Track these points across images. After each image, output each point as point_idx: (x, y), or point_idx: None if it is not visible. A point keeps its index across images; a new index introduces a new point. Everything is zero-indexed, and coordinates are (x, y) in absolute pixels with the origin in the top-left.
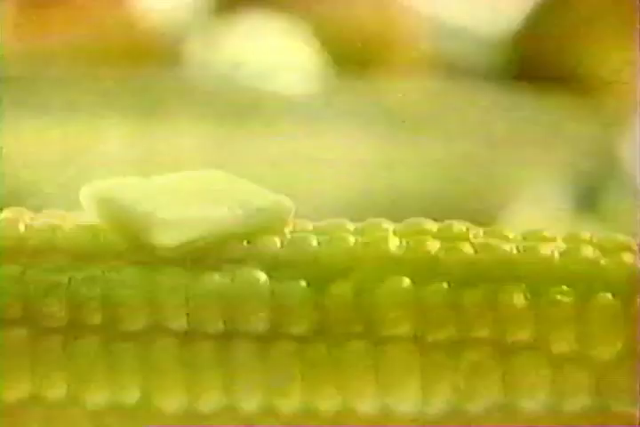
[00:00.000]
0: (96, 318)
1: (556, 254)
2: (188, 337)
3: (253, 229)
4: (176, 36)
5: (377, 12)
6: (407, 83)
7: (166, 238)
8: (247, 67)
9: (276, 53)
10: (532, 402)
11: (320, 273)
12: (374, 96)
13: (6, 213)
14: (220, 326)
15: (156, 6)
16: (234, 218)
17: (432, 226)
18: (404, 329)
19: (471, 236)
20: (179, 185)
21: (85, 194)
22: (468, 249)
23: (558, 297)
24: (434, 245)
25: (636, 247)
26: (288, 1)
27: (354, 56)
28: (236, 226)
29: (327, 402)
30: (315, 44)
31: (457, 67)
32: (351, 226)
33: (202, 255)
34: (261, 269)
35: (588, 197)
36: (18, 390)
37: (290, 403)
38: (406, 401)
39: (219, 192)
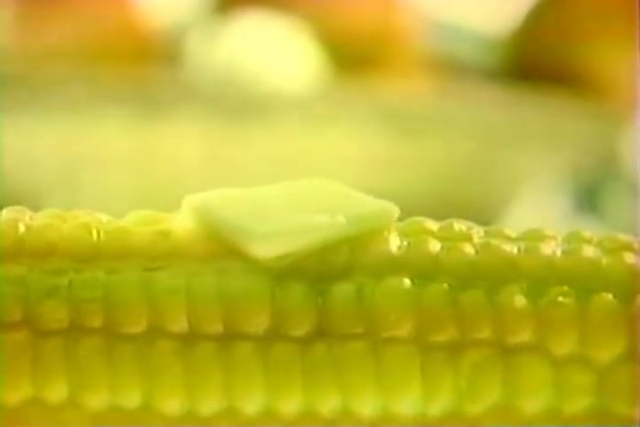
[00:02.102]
0: (97, 321)
1: (557, 254)
2: (188, 339)
3: (356, 237)
4: (176, 36)
5: (376, 11)
6: (407, 83)
7: (267, 250)
8: (247, 66)
9: (276, 53)
10: (533, 403)
11: (320, 274)
12: (374, 96)
13: (6, 213)
14: (221, 327)
15: (156, 6)
16: (336, 226)
17: (433, 225)
18: (404, 330)
19: (472, 235)
20: (279, 195)
21: (187, 204)
22: (468, 249)
23: (559, 298)
24: (434, 245)
25: (636, 247)
26: (288, 1)
27: (353, 56)
28: (339, 234)
29: (328, 403)
30: (315, 44)
31: (457, 67)
32: None
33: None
34: (261, 270)
35: (588, 197)
36: (18, 393)
37: (291, 404)
38: (407, 402)
39: (320, 200)
